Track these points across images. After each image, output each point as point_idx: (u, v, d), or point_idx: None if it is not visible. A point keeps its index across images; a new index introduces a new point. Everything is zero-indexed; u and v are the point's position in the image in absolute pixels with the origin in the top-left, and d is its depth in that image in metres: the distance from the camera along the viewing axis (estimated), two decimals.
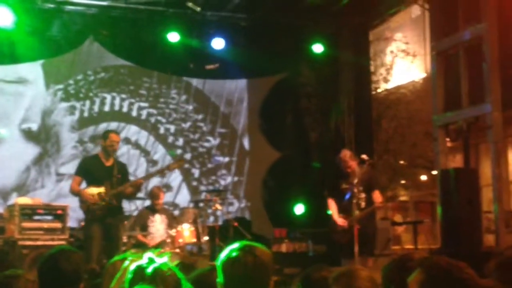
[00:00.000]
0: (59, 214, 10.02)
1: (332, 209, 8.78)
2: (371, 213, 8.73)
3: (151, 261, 2.90)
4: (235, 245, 3.10)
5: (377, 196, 8.71)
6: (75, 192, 8.83)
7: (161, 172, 10.69)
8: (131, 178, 9.63)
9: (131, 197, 9.43)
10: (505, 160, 14.11)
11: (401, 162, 18.16)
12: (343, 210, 8.71)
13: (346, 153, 8.84)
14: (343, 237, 8.63)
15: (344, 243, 8.65)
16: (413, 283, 2.76)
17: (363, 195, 8.62)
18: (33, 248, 8.74)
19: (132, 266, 2.96)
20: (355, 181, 8.52)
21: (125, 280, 2.97)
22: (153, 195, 10.43)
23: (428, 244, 13.39)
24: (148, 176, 10.10)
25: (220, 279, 3.06)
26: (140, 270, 2.92)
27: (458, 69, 11.01)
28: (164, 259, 2.92)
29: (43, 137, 12.70)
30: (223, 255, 3.08)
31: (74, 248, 4.17)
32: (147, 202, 10.82)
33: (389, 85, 18.44)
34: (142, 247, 9.39)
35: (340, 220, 8.63)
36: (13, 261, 8.95)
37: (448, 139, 11.49)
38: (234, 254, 3.04)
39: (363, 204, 8.58)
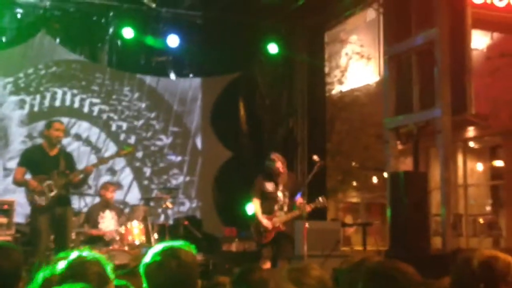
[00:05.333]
0: (5, 209, 9.84)
1: (257, 209, 8.88)
2: (296, 217, 8.84)
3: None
4: (158, 247, 3.02)
5: (300, 200, 8.84)
6: (19, 182, 8.48)
7: (111, 158, 10.40)
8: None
9: (80, 185, 9.02)
10: (454, 164, 14.33)
11: (353, 164, 18.31)
12: (266, 211, 8.84)
13: (278, 156, 9.02)
14: (264, 238, 8.78)
15: (264, 244, 8.83)
16: None
17: (286, 200, 8.85)
18: None
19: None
20: (282, 184, 8.85)
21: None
22: (103, 186, 10.30)
23: (377, 246, 13.52)
24: (98, 163, 9.70)
25: (144, 284, 2.98)
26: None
27: (410, 73, 11.14)
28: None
29: None
30: (146, 259, 3.00)
31: (14, 245, 4.06)
32: (97, 200, 10.65)
33: (344, 87, 18.60)
34: (91, 242, 9.18)
35: (265, 221, 8.73)
36: None
37: (398, 142, 11.62)
38: (157, 258, 2.96)
39: (285, 207, 8.83)
